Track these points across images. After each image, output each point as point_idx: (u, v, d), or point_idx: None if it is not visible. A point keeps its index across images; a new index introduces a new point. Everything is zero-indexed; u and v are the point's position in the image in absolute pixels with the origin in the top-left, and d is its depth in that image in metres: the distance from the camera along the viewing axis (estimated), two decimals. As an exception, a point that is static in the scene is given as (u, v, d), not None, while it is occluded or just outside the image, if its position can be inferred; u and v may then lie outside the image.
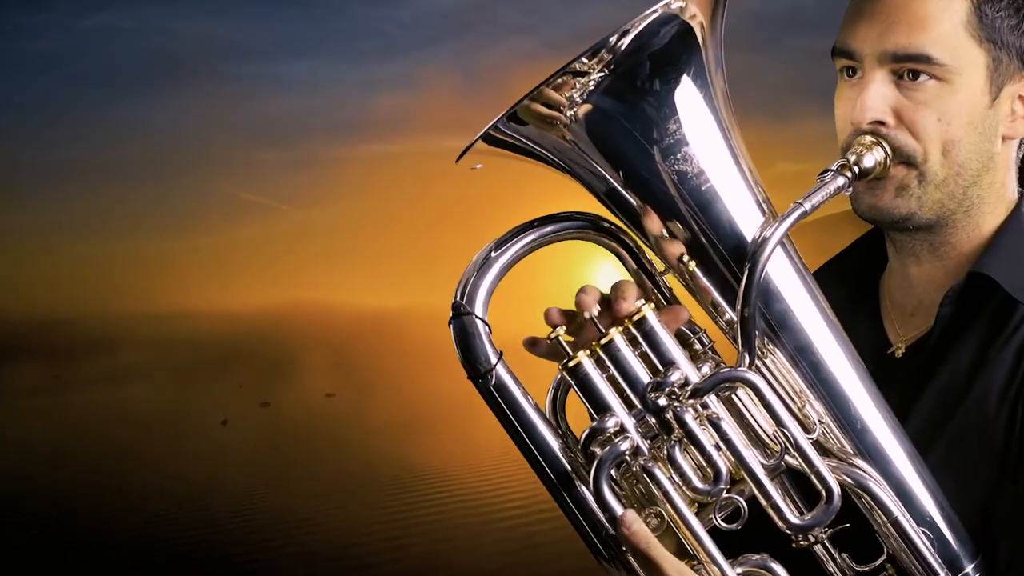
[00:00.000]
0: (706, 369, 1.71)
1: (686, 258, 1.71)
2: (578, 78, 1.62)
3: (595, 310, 1.71)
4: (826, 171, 1.73)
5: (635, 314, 1.71)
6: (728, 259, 1.69)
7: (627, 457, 1.66)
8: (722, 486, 1.64)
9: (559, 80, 1.62)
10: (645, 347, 1.71)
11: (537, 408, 1.72)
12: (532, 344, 1.77)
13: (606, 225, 1.77)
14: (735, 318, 1.64)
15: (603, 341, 1.70)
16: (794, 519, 1.66)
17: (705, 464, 1.66)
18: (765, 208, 1.71)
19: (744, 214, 1.69)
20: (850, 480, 1.70)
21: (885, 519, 1.71)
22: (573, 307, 1.77)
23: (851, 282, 2.06)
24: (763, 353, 1.72)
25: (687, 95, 1.67)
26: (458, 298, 1.71)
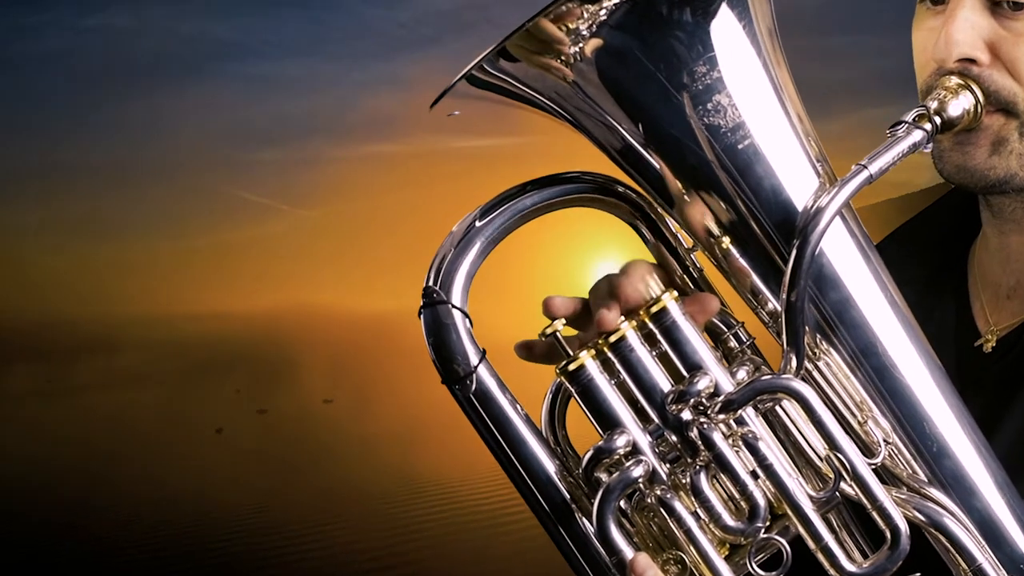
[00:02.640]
0: (742, 375, 1.41)
1: (719, 232, 1.42)
2: (586, 5, 1.33)
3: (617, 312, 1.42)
4: (899, 123, 1.42)
5: (653, 304, 1.41)
6: (772, 234, 1.40)
7: (641, 485, 1.38)
8: (759, 524, 1.37)
9: (562, 8, 1.32)
10: (665, 346, 1.41)
11: (529, 421, 1.43)
12: (527, 349, 1.48)
13: (621, 189, 1.47)
14: (779, 309, 1.36)
15: (612, 338, 1.40)
16: (850, 566, 1.37)
17: (739, 496, 1.38)
18: (820, 170, 1.41)
19: (793, 178, 1.40)
20: (922, 516, 1.40)
21: (966, 567, 1.40)
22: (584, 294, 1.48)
23: (932, 252, 1.74)
24: (815, 354, 1.43)
25: (723, 29, 1.37)
26: (431, 282, 1.41)
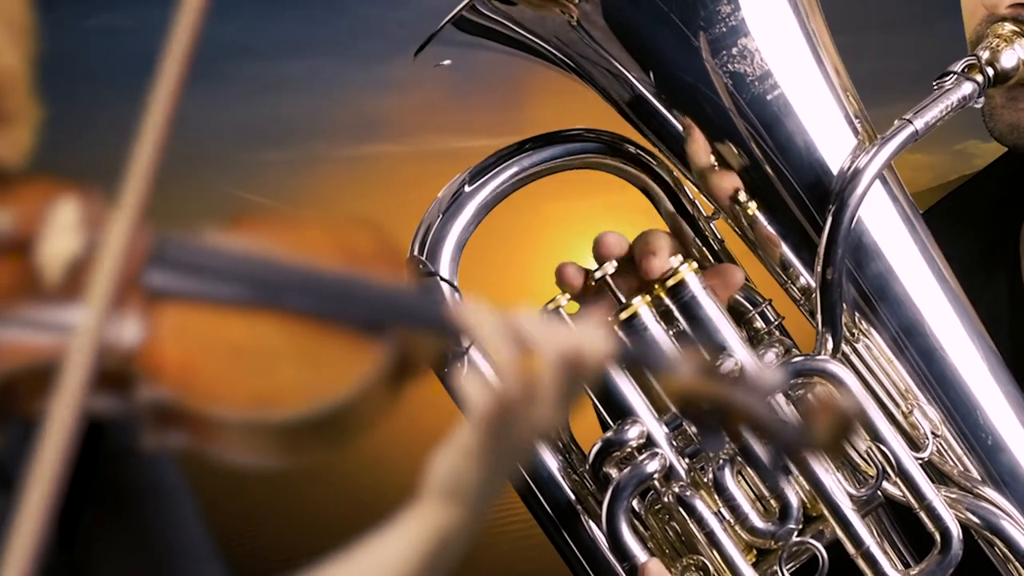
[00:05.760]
0: (770, 357, 1.31)
1: (744, 197, 1.33)
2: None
3: (611, 267, 1.30)
4: (946, 74, 1.32)
5: (669, 277, 1.30)
6: (804, 199, 1.31)
7: (656, 482, 1.28)
8: (792, 526, 1.27)
9: None
10: (683, 324, 1.31)
11: (528, 410, 1.29)
12: None
13: (631, 149, 1.36)
14: (813, 284, 1.29)
15: (623, 316, 1.29)
16: (895, 574, 1.27)
17: (768, 494, 1.29)
18: (858, 126, 1.32)
19: (828, 135, 1.31)
20: (976, 519, 1.31)
21: (1026, 575, 1.33)
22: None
23: (981, 225, 1.61)
24: (853, 335, 1.34)
25: (747, -39, 1.29)
26: (416, 251, 1.31)
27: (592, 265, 1.33)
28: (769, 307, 1.36)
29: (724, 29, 1.26)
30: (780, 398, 1.27)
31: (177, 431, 0.92)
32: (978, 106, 1.33)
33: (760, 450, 1.26)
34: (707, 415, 1.11)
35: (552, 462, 1.30)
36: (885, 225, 1.32)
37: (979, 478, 1.32)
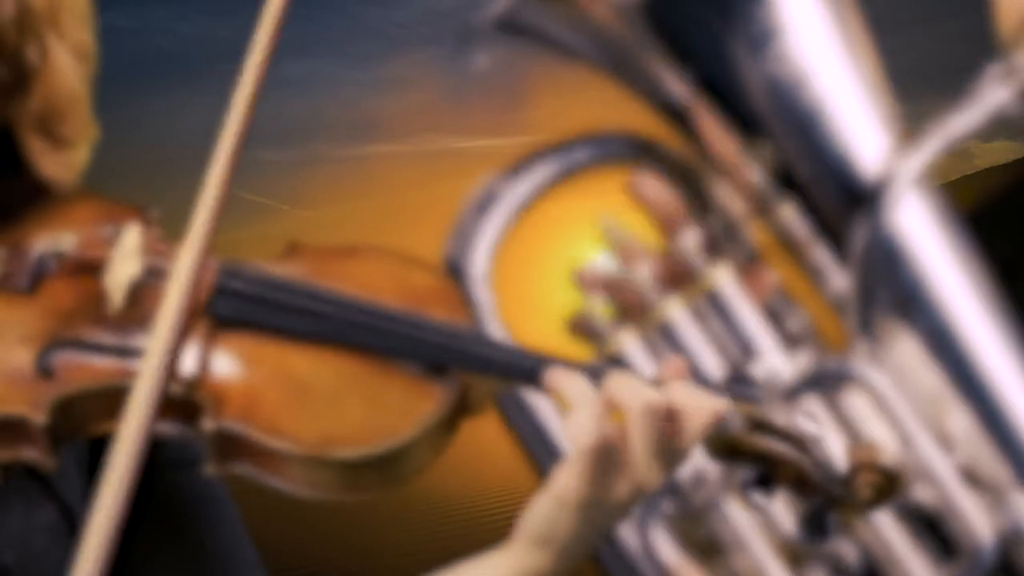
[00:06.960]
0: (802, 360, 1.30)
1: (778, 199, 1.30)
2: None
3: (646, 270, 1.27)
4: (982, 79, 1.27)
5: (703, 278, 1.29)
6: (838, 202, 1.28)
7: (687, 486, 1.26)
8: (824, 531, 1.22)
9: None
10: (717, 326, 1.29)
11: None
12: (572, 326, 1.32)
13: (665, 149, 1.34)
14: (846, 286, 1.25)
15: (656, 317, 1.27)
16: None
17: (800, 497, 1.22)
18: (894, 131, 1.29)
19: (862, 138, 1.28)
20: (1007, 523, 1.27)
21: (1058, 581, 1.28)
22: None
23: (1018, 226, 1.59)
24: (884, 338, 1.29)
25: (784, -37, 1.25)
26: (450, 249, 1.27)
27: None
28: (802, 309, 1.34)
29: (759, 30, 1.24)
30: (814, 402, 1.24)
31: (241, 461, 0.90)
32: (1016, 112, 1.31)
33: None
34: (754, 468, 1.10)
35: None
36: (918, 229, 1.29)
37: (1010, 482, 1.28)
